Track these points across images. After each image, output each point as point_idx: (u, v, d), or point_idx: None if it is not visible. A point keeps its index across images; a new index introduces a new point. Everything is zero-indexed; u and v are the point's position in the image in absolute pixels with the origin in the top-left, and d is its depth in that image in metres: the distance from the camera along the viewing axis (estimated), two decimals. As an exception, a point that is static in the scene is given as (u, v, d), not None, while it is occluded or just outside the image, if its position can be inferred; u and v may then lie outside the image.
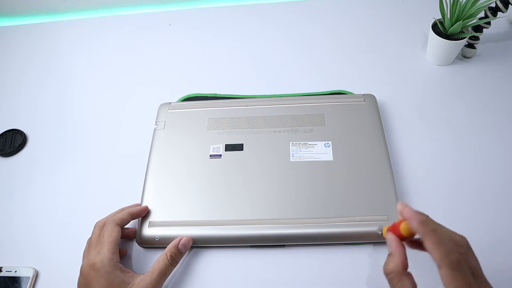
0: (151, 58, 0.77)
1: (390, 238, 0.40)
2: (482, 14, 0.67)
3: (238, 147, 0.58)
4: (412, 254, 0.39)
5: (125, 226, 0.52)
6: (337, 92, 0.67)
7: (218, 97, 0.68)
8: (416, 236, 0.38)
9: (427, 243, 0.36)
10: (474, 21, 0.63)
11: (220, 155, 0.57)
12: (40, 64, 0.79)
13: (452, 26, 0.63)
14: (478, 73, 0.68)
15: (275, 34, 0.79)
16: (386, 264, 0.39)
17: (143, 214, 0.53)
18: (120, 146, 0.64)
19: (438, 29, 0.66)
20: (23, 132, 0.67)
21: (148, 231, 0.52)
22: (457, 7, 0.62)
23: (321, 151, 0.56)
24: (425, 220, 0.37)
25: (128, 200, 0.55)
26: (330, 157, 0.56)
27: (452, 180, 0.56)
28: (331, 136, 0.58)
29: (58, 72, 0.77)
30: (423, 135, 0.61)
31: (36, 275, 0.52)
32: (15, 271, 0.52)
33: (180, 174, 0.56)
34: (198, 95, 0.69)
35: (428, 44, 0.69)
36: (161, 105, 0.65)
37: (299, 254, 0.51)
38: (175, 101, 0.68)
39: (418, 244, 0.40)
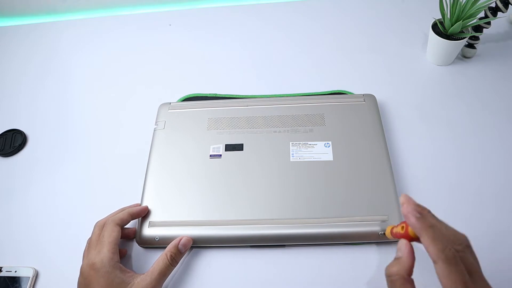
0: (151, 58, 0.77)
1: (402, 243, 0.39)
2: (482, 14, 0.67)
3: (238, 147, 0.58)
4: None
5: (125, 226, 0.52)
6: (337, 92, 0.67)
7: (218, 97, 0.68)
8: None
9: (423, 239, 0.36)
10: (474, 21, 0.63)
11: (220, 155, 0.57)
12: (40, 64, 0.79)
13: (452, 26, 0.63)
14: (478, 73, 0.68)
15: (275, 34, 0.79)
16: (390, 266, 0.38)
17: (143, 214, 0.53)
18: (120, 146, 0.64)
19: (438, 29, 0.66)
20: (23, 132, 0.67)
21: (148, 231, 0.52)
22: (457, 7, 0.62)
23: (321, 151, 0.56)
24: (422, 216, 0.37)
25: (128, 200, 0.55)
26: (330, 157, 0.56)
27: (452, 180, 0.56)
28: (331, 136, 0.58)
29: (58, 72, 0.77)
30: (423, 135, 0.61)
31: (36, 275, 0.52)
32: (15, 271, 0.52)
33: (180, 174, 0.56)
34: (198, 95, 0.69)
35: (428, 44, 0.69)
36: (161, 105, 0.65)
37: (299, 254, 0.51)
38: (175, 101, 0.68)
39: None
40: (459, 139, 0.60)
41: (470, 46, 0.69)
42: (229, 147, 0.58)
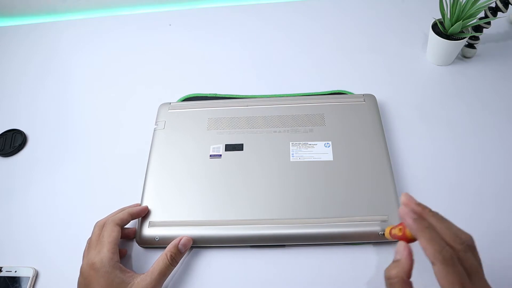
0: (151, 58, 0.77)
1: (401, 245, 0.39)
2: (482, 14, 0.67)
3: (238, 147, 0.58)
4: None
5: (125, 226, 0.52)
6: (337, 92, 0.67)
7: (218, 97, 0.68)
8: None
9: (421, 241, 0.36)
10: (474, 21, 0.63)
11: (220, 155, 0.57)
12: (40, 64, 0.79)
13: (452, 26, 0.63)
14: (478, 73, 0.68)
15: (275, 34, 0.79)
16: (389, 268, 0.38)
17: (143, 214, 0.53)
18: (120, 146, 0.64)
19: (438, 29, 0.66)
20: (23, 132, 0.67)
21: (148, 231, 0.52)
22: (457, 7, 0.62)
23: (321, 151, 0.56)
24: (420, 217, 0.37)
25: (128, 200, 0.55)
26: (330, 157, 0.56)
27: (452, 180, 0.56)
28: (331, 136, 0.58)
29: (58, 72, 0.77)
30: (423, 135, 0.61)
31: (36, 275, 0.52)
32: (15, 271, 0.52)
33: (180, 174, 0.56)
34: (198, 95, 0.69)
35: (428, 44, 0.69)
36: (161, 105, 0.65)
37: (299, 254, 0.51)
38: (175, 101, 0.68)
39: None
40: (459, 139, 0.60)
41: (470, 46, 0.69)
42: (229, 147, 0.58)
